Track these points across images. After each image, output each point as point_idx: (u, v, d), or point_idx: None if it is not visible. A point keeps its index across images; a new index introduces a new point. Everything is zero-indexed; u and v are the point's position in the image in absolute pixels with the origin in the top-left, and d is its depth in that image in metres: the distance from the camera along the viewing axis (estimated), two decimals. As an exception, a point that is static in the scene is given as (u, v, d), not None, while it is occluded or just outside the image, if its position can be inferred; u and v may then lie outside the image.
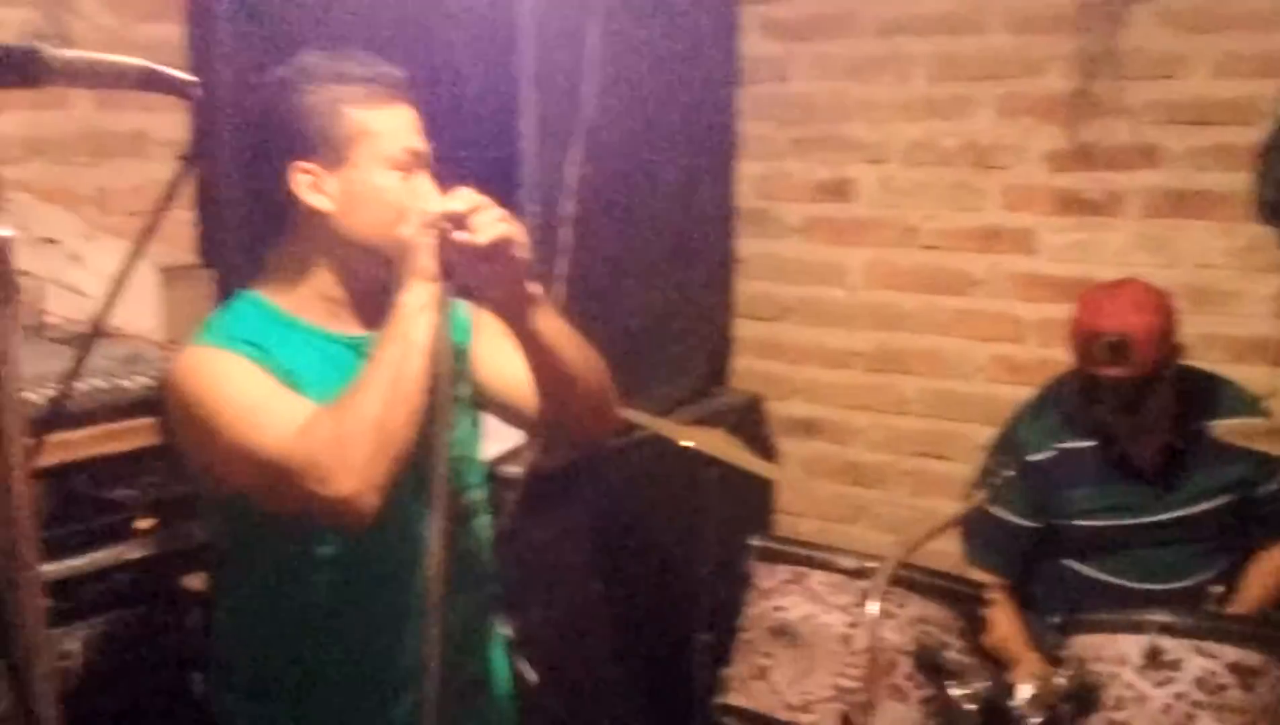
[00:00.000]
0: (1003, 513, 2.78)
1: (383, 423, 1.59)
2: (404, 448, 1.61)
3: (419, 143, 1.77)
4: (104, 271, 2.65)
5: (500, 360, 1.86)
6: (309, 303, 1.79)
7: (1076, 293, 2.93)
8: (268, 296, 1.81)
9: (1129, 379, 2.58)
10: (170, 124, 2.87)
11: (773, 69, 3.67)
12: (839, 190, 3.63)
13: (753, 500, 3.56)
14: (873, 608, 1.99)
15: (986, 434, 3.08)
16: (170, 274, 2.85)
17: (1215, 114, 3.18)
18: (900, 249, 3.57)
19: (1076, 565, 2.78)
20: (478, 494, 1.92)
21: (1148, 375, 2.59)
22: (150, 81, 1.02)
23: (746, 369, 3.77)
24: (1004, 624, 2.66)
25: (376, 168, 1.73)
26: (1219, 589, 2.58)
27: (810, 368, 3.71)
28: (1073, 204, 3.36)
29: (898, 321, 3.60)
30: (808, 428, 3.71)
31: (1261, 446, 2.49)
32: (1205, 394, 2.77)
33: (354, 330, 1.80)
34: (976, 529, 2.79)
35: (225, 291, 2.99)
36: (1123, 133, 3.28)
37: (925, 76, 3.49)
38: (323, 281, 1.78)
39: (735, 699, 2.32)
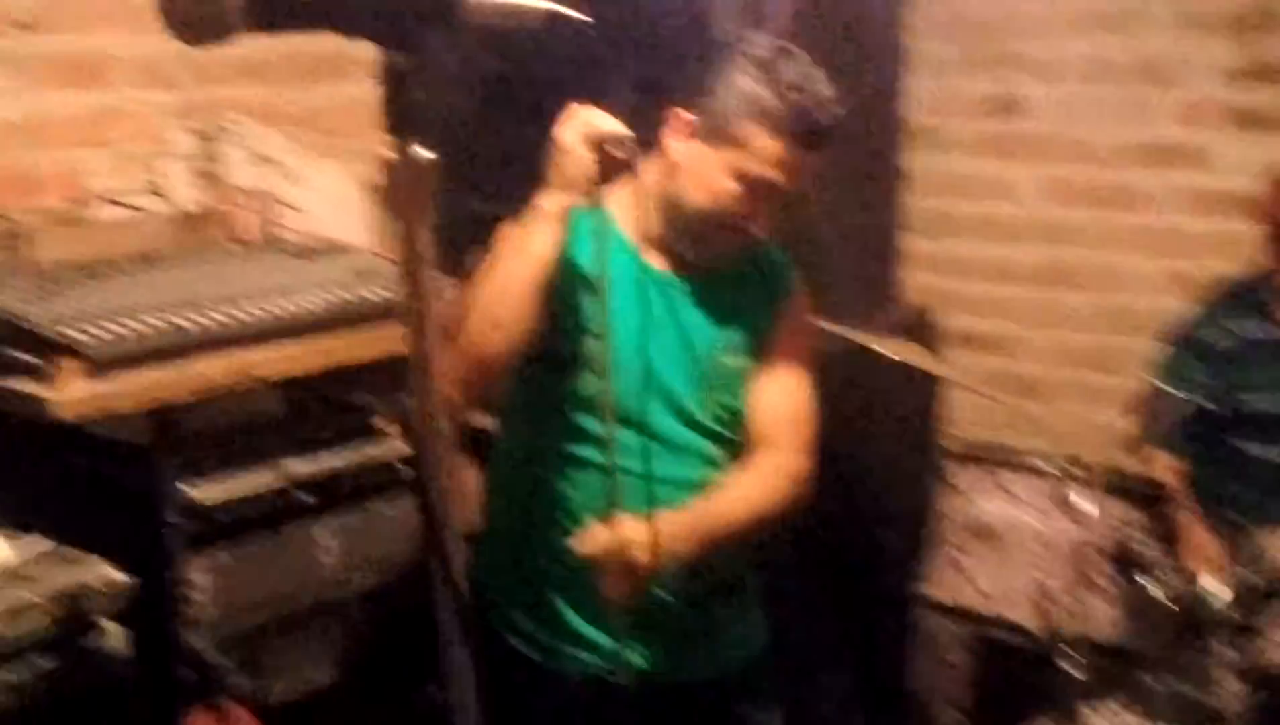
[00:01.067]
0: (1178, 391, 2.91)
1: (471, 326, 1.78)
2: (485, 351, 1.79)
3: None
4: (319, 189, 2.86)
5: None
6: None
7: (1249, 209, 3.04)
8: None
9: None
10: (367, 44, 3.04)
11: (946, -13, 3.75)
12: (1009, 106, 3.72)
13: (922, 410, 3.68)
14: (1089, 506, 2.13)
15: (1156, 349, 3.18)
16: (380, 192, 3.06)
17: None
18: (1071, 165, 3.66)
19: (1257, 449, 2.86)
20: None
21: None
22: (553, 22, 1.14)
23: (916, 284, 3.88)
24: (1188, 521, 2.77)
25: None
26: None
27: (980, 283, 3.82)
28: (1249, 119, 3.41)
29: (1068, 237, 3.69)
30: (977, 342, 3.82)
31: None
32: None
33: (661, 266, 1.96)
34: (1157, 411, 2.93)
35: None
36: (1300, 47, 3.32)
37: (1098, -9, 3.55)
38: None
39: (934, 592, 2.48)
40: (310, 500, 2.28)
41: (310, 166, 2.81)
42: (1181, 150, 3.52)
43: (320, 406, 2.32)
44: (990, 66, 3.71)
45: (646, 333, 1.92)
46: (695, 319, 1.96)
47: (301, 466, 2.26)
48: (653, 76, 2.87)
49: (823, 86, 1.85)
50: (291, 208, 2.78)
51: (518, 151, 2.95)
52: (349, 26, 1.07)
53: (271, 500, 2.23)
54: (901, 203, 3.87)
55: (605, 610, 1.87)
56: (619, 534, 1.77)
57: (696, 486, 1.95)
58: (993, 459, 2.47)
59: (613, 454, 1.76)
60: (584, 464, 1.94)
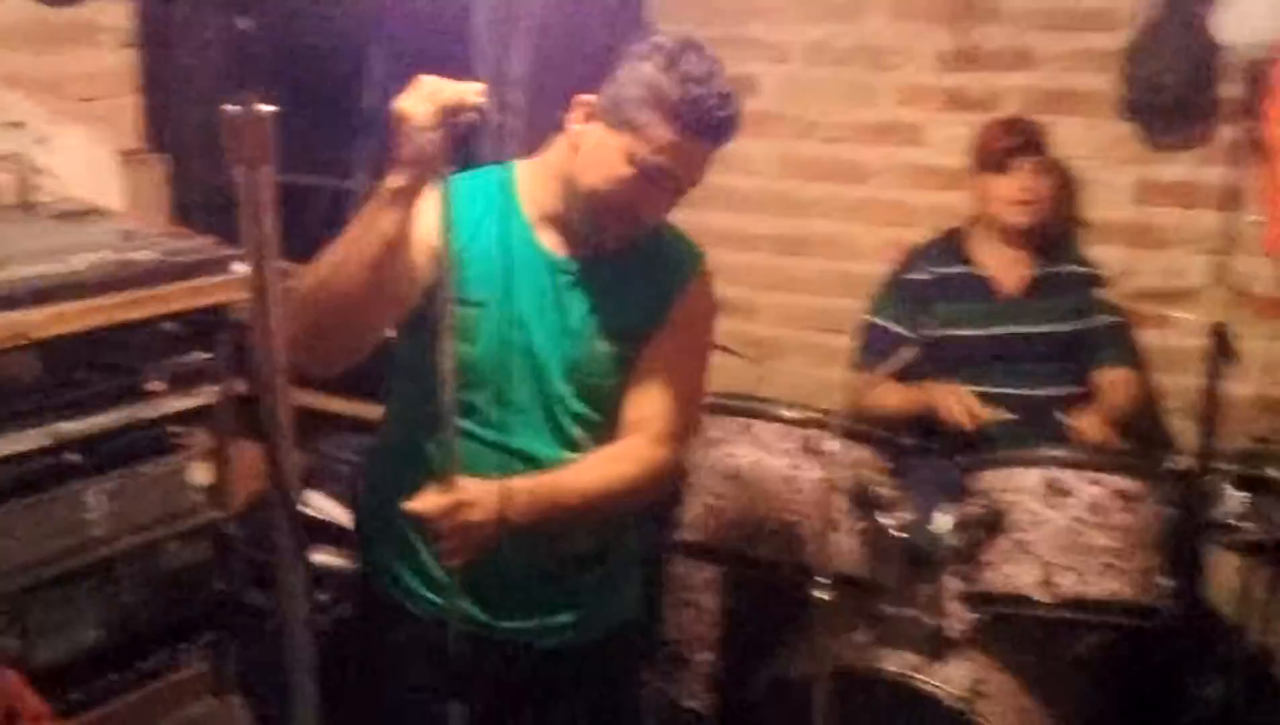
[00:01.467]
0: (886, 323, 3.32)
1: (313, 294, 1.81)
2: (328, 320, 1.82)
3: None
4: (70, 153, 2.82)
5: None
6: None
7: (959, 181, 3.41)
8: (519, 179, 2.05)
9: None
10: (117, 12, 3.02)
11: (682, -29, 3.94)
12: (744, 86, 3.90)
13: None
14: (834, 446, 2.32)
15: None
16: (129, 157, 3.03)
17: (1082, 21, 3.56)
18: (802, 141, 3.90)
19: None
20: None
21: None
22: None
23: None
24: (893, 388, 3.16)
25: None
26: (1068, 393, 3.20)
27: (720, 251, 3.99)
28: (958, 101, 3.72)
29: (801, 208, 3.93)
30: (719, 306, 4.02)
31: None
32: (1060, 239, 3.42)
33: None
34: (865, 339, 3.34)
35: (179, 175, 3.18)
36: (1002, 37, 3.64)
37: (823, -19, 3.80)
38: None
39: (691, 533, 2.64)
40: (78, 461, 2.28)
41: (60, 131, 2.77)
42: (900, 129, 3.80)
43: (89, 368, 2.31)
44: (728, 48, 3.86)
45: (525, 308, 1.98)
46: (579, 301, 2.01)
47: (70, 427, 2.25)
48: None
49: (721, 82, 1.94)
50: (44, 172, 2.75)
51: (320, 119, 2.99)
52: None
53: (39, 461, 2.22)
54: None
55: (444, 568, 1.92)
56: (453, 498, 1.83)
57: (552, 463, 2.01)
58: (742, 410, 2.64)
59: (449, 422, 1.80)
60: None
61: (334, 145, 3.37)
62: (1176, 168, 3.52)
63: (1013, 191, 3.25)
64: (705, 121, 1.92)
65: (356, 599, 2.33)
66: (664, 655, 3.23)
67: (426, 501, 1.84)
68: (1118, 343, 3.33)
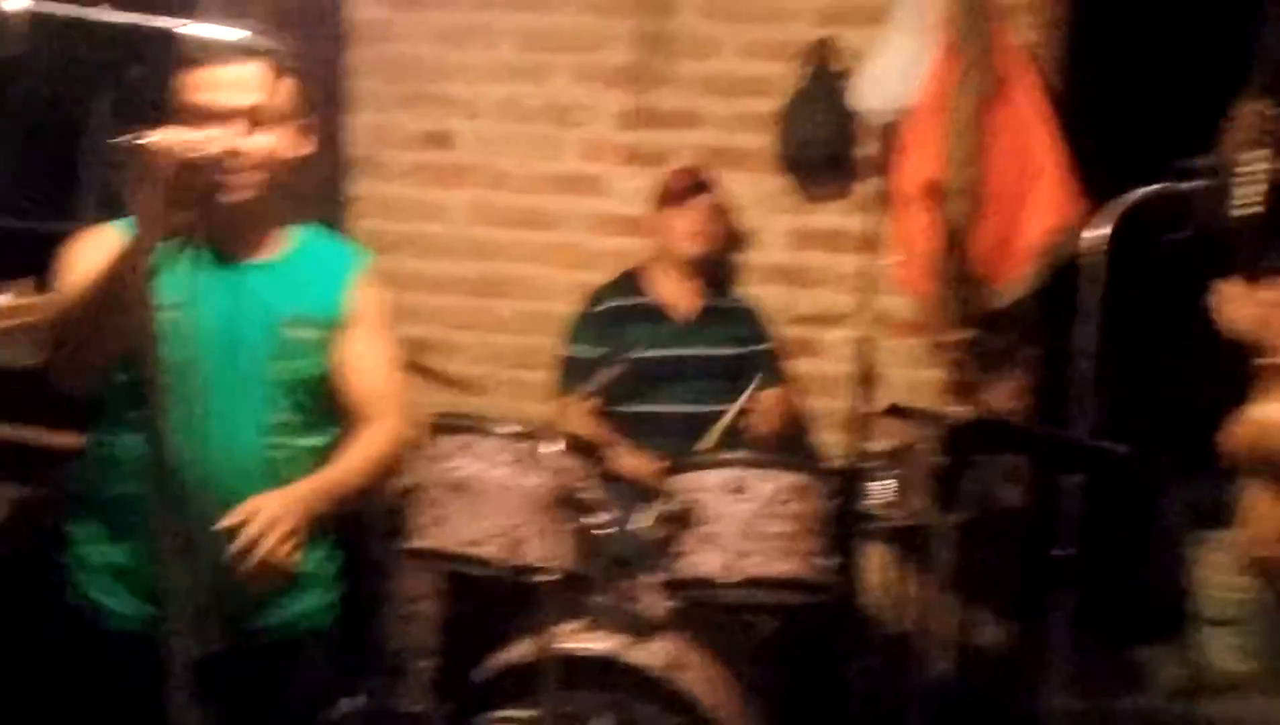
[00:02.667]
0: (582, 353, 3.79)
1: (57, 323, 2.13)
2: (70, 347, 2.12)
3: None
4: None
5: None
6: None
7: (638, 229, 3.99)
8: None
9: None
10: None
11: (379, 31, 4.30)
12: (440, 140, 4.33)
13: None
14: (548, 452, 2.72)
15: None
16: None
17: (744, 87, 4.15)
18: (495, 191, 4.33)
19: (636, 407, 3.74)
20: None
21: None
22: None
23: (360, 297, 4.38)
24: (588, 425, 3.63)
25: None
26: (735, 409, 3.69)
27: (418, 293, 4.39)
28: (636, 156, 4.23)
29: (494, 253, 4.35)
30: (419, 346, 4.37)
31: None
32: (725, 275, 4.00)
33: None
34: (565, 371, 3.81)
35: None
36: (674, 99, 4.18)
37: (511, 45, 4.25)
38: None
39: (421, 542, 2.99)
40: None
41: None
42: (584, 180, 4.29)
43: None
44: (425, 105, 4.30)
45: (217, 307, 2.25)
46: (260, 297, 2.31)
47: None
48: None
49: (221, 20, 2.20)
50: None
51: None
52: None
53: None
54: (348, 225, 4.36)
55: (151, 575, 2.11)
56: (261, 519, 2.09)
57: (260, 452, 2.30)
58: (463, 428, 3.02)
59: (163, 428, 1.99)
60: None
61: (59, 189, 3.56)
62: (825, 217, 4.14)
63: (688, 225, 3.81)
64: (206, 47, 2.19)
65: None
66: (385, 666, 3.55)
67: (234, 524, 2.08)
68: (772, 367, 3.91)
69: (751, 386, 3.74)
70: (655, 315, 3.86)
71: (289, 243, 2.39)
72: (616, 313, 3.87)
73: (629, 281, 3.95)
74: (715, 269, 3.98)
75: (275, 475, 2.29)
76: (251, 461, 2.28)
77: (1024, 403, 3.96)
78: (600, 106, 4.24)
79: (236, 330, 2.28)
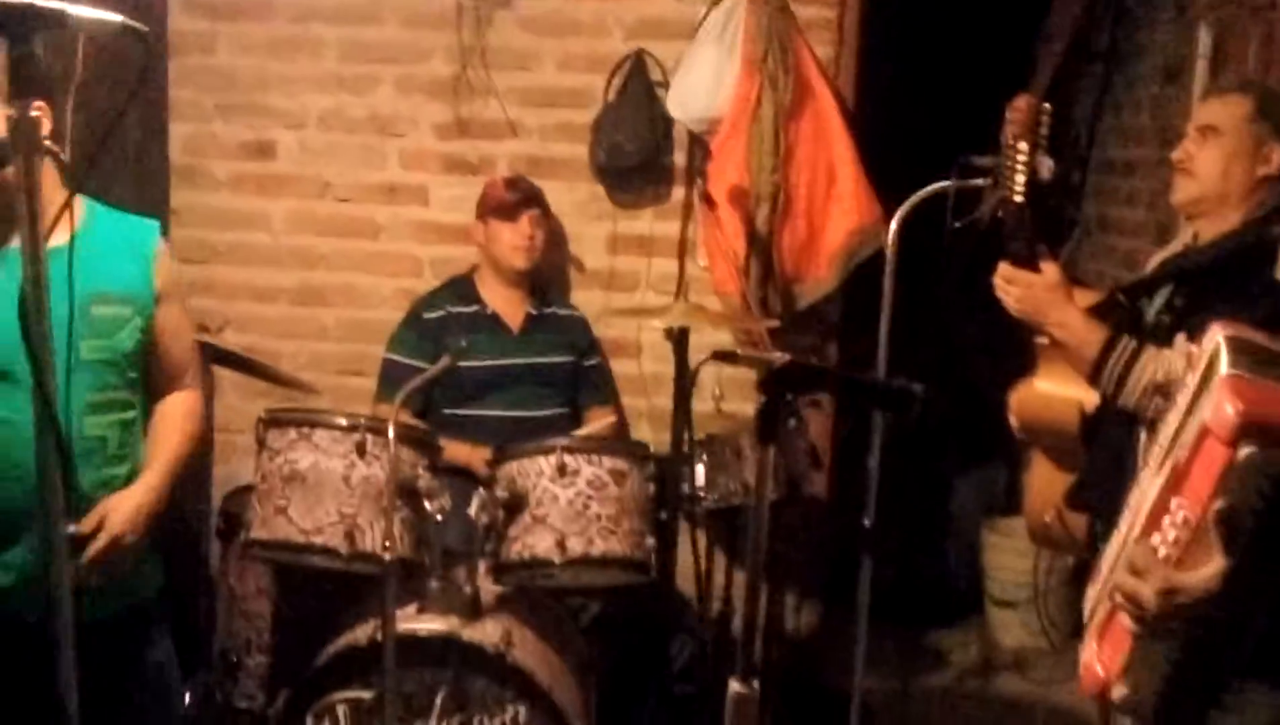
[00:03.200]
0: (405, 358, 3.94)
1: None
2: None
3: None
4: None
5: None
6: None
7: (461, 237, 4.18)
8: None
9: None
10: None
11: (199, 43, 4.40)
12: (262, 150, 4.45)
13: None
14: (384, 452, 2.89)
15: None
16: None
17: (560, 99, 4.37)
18: (317, 200, 4.46)
19: (465, 411, 3.94)
20: None
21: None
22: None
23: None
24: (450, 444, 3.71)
25: None
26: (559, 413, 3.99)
27: (241, 303, 4.49)
28: (457, 165, 4.42)
29: (317, 262, 4.49)
30: (247, 351, 4.46)
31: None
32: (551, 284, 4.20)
33: None
34: (386, 374, 3.97)
35: None
36: (493, 110, 4.38)
37: (335, 57, 4.41)
38: None
39: (261, 533, 3.12)
40: None
41: None
42: (406, 190, 4.45)
43: None
44: (249, 115, 4.42)
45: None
46: (62, 278, 2.30)
47: None
48: None
49: None
50: None
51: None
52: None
53: None
54: (171, 234, 4.43)
55: None
56: (113, 524, 2.38)
57: (90, 428, 2.49)
58: (301, 421, 3.16)
59: None
60: None
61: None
62: (640, 223, 4.39)
63: (517, 238, 3.99)
64: None
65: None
66: (218, 662, 3.65)
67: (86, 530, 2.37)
68: (600, 384, 4.16)
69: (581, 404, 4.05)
70: (484, 323, 4.03)
71: (80, 221, 2.42)
72: (445, 320, 4.03)
73: (459, 288, 4.12)
74: (541, 277, 4.18)
75: (100, 453, 2.51)
76: (77, 442, 2.42)
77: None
78: (421, 117, 4.41)
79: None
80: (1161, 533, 2.06)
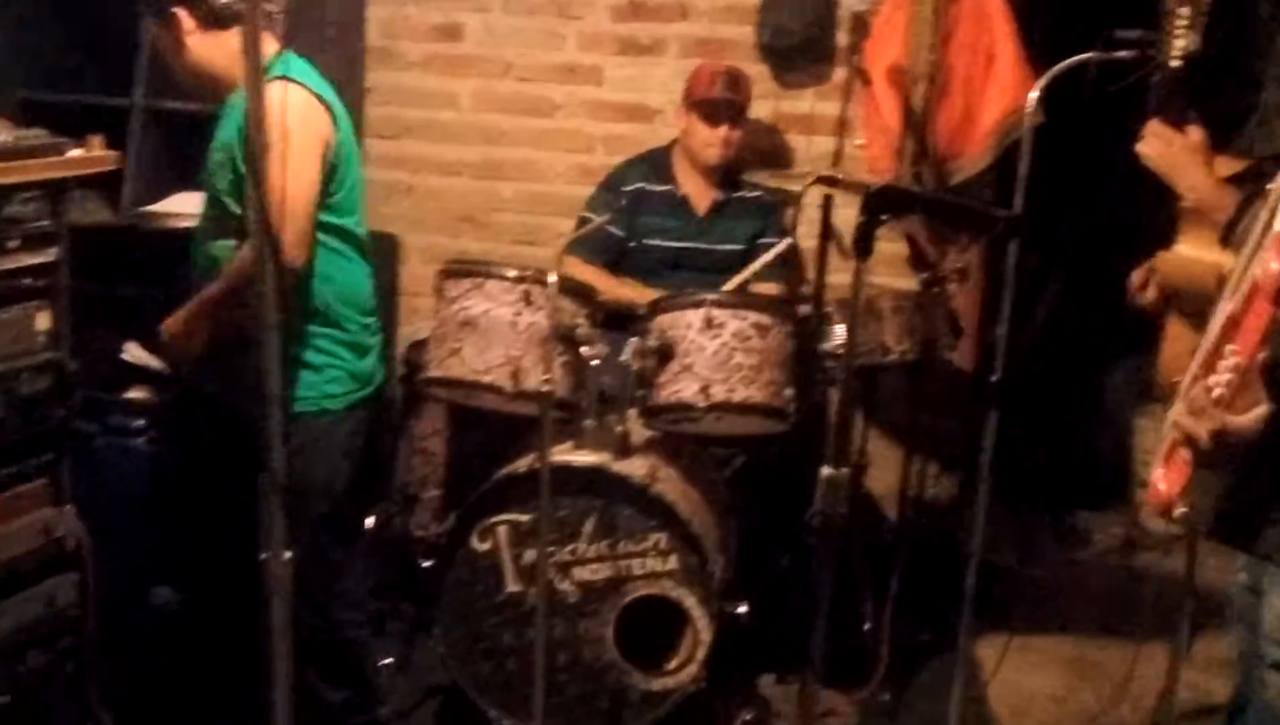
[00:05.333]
0: (599, 218, 4.29)
1: None
2: None
3: None
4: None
5: None
6: None
7: (632, 115, 4.60)
8: None
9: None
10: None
11: (395, -69, 4.89)
12: (451, 32, 4.91)
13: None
14: (552, 287, 3.31)
15: (567, 225, 4.51)
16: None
17: (729, -18, 4.72)
18: (500, 80, 4.91)
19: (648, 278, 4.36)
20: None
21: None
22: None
23: (376, 179, 4.96)
24: (611, 282, 4.27)
25: None
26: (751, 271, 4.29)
27: (427, 176, 4.99)
28: (630, 46, 4.82)
29: (498, 138, 4.95)
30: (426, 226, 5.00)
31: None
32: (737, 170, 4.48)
33: None
34: (582, 240, 4.27)
35: None
36: (665, -7, 4.75)
37: (517, -58, 4.83)
38: None
39: (437, 372, 3.60)
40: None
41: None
42: (582, 70, 4.87)
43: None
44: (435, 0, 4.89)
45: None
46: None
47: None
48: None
49: None
50: None
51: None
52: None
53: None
54: (365, 112, 4.94)
55: None
56: None
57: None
58: (474, 272, 3.61)
59: None
60: None
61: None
62: (802, 102, 4.72)
63: (712, 139, 4.37)
64: None
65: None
66: (398, 495, 4.19)
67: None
68: (772, 262, 4.43)
69: (776, 247, 4.33)
70: (674, 203, 4.46)
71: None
72: (639, 195, 4.46)
73: (656, 164, 4.52)
74: (732, 167, 4.52)
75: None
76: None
77: (972, 268, 4.56)
78: (597, 1, 4.81)
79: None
80: (1217, 375, 2.35)
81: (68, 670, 3.38)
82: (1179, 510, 2.45)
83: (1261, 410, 2.25)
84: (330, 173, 3.17)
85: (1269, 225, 2.31)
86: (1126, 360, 5.59)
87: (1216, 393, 2.33)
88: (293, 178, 2.97)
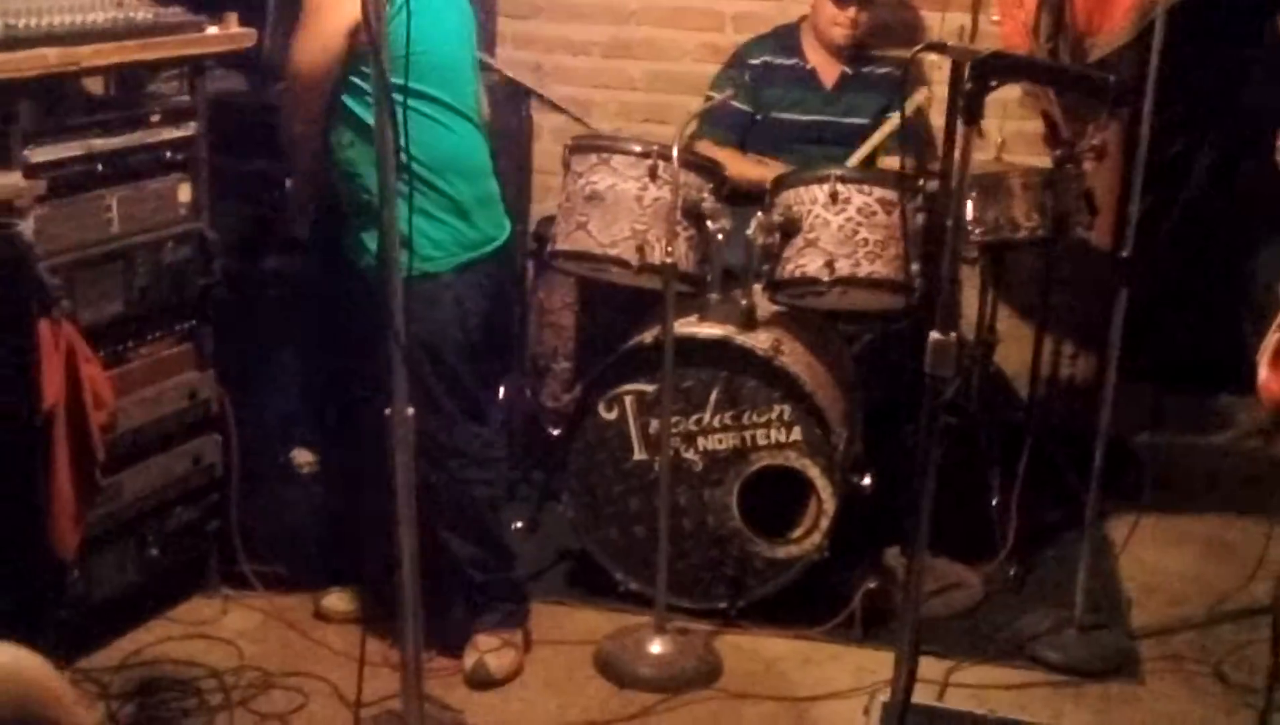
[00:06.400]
0: (730, 100, 4.30)
1: None
2: None
3: None
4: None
5: None
6: None
7: None
8: None
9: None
10: None
11: None
12: (575, -84, 4.92)
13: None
14: (672, 171, 3.35)
15: (696, 103, 4.50)
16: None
17: None
18: (626, -41, 4.92)
19: (768, 160, 4.37)
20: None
21: None
22: None
23: (507, 58, 5.02)
24: (740, 160, 4.29)
25: None
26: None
27: (558, 55, 5.02)
28: (757, -71, 4.78)
29: (626, 17, 4.96)
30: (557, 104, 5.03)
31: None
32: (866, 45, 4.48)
33: None
34: (709, 115, 4.39)
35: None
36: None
37: None
38: None
39: (564, 245, 3.66)
40: (103, 171, 3.18)
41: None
42: (711, -51, 4.85)
43: (110, 99, 3.20)
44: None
45: None
46: None
47: (98, 143, 3.16)
48: None
49: None
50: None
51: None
52: None
53: (76, 167, 3.12)
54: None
55: None
56: None
57: None
58: (599, 147, 3.66)
59: None
60: None
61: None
62: (933, -20, 4.65)
63: (839, 17, 4.37)
64: None
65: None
66: (529, 367, 4.28)
67: None
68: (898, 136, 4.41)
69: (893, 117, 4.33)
70: (802, 78, 4.47)
71: None
72: (766, 69, 4.48)
73: (783, 39, 4.53)
74: (862, 43, 4.51)
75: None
76: None
77: (1109, 145, 4.47)
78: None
79: None
80: None
81: (213, 526, 3.56)
82: None
83: None
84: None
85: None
86: (1277, 243, 5.46)
87: None
88: None
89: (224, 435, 3.53)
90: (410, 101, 3.17)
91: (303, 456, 3.65)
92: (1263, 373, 2.54)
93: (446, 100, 3.25)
